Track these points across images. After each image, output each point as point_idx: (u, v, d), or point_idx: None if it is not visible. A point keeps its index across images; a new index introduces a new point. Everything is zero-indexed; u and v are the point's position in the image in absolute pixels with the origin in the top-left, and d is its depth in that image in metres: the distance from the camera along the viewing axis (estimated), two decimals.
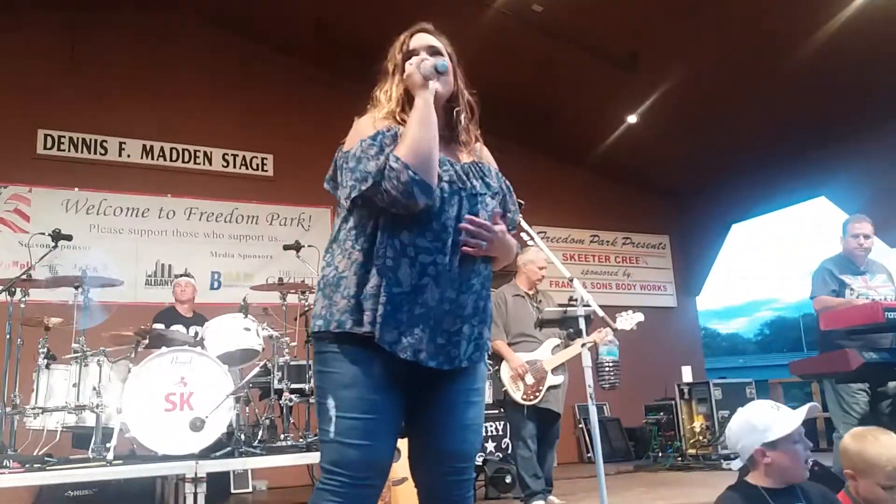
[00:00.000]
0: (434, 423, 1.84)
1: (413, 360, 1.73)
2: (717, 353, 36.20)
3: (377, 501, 1.82)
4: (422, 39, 1.90)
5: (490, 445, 7.88)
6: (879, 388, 3.73)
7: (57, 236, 4.45)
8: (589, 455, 8.22)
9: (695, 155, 8.76)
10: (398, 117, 1.82)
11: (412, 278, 1.73)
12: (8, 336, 4.32)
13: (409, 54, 1.87)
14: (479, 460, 6.61)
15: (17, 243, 6.35)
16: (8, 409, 4.21)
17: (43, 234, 4.54)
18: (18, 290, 4.42)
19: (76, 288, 4.31)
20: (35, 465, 3.85)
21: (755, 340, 45.64)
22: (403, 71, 1.82)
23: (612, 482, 6.16)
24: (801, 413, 2.01)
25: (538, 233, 9.87)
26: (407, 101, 1.83)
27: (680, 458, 7.27)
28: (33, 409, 4.13)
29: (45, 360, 4.27)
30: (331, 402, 1.75)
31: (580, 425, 8.57)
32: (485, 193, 1.85)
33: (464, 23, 6.68)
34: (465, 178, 1.84)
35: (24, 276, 4.49)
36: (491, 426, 8.02)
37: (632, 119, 8.15)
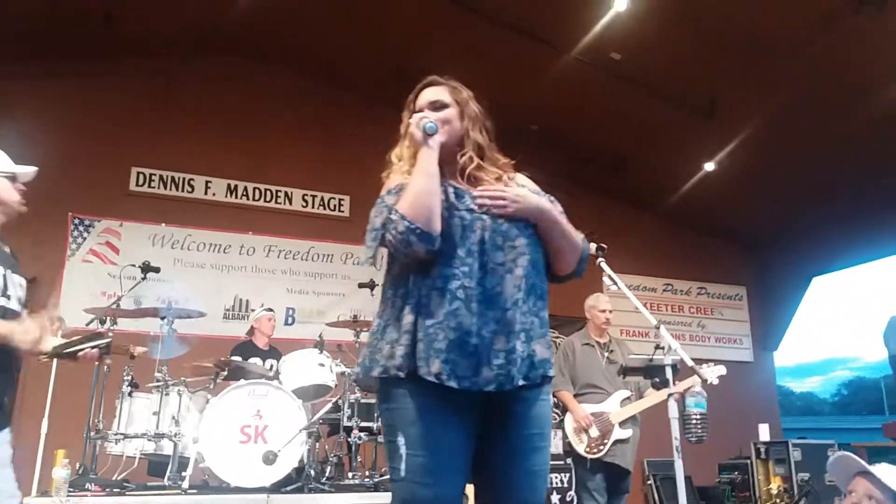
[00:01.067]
0: (501, 471, 1.86)
1: (466, 388, 1.77)
2: (791, 412, 34.32)
3: None
4: (425, 96, 2.04)
5: (555, 498, 7.68)
6: None
7: (146, 268, 4.66)
8: None
9: (774, 204, 8.52)
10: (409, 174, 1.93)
11: (442, 307, 1.80)
12: (96, 363, 4.50)
13: (415, 113, 2.00)
14: None
15: (106, 274, 6.65)
16: (92, 434, 4.37)
17: (133, 265, 4.75)
18: (108, 318, 4.63)
19: (161, 318, 4.49)
20: (115, 490, 3.97)
21: (832, 401, 43.24)
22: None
23: None
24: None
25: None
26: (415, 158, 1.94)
27: None
28: (115, 434, 4.27)
29: (129, 388, 4.43)
30: (401, 440, 1.80)
31: (649, 482, 8.24)
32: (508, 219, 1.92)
33: (541, 71, 6.77)
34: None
35: (113, 306, 4.71)
36: (556, 478, 7.82)
37: (709, 167, 8.01)
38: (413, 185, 1.83)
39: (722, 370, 3.99)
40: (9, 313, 2.32)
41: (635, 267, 9.26)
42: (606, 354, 4.60)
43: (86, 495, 3.77)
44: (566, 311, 7.44)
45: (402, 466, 1.78)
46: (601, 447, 4.32)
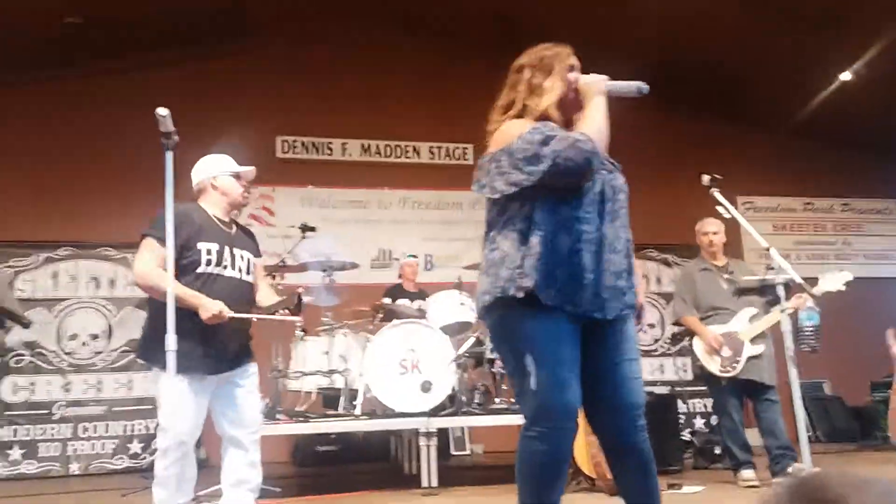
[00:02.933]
0: (607, 381, 2.14)
1: (581, 314, 2.06)
2: None
3: (573, 443, 2.16)
4: (573, 60, 2.29)
5: (699, 422, 7.87)
6: None
7: (304, 228, 5.25)
8: (810, 434, 7.85)
9: None
10: (551, 114, 2.19)
11: (569, 244, 2.07)
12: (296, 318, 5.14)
13: (571, 68, 2.27)
14: (687, 435, 6.65)
15: (265, 236, 7.41)
16: (275, 374, 5.08)
17: (292, 226, 5.36)
18: (276, 275, 5.29)
19: (323, 271, 5.09)
20: (300, 419, 4.66)
21: None
22: (565, 81, 2.23)
23: (832, 459, 5.96)
24: None
25: (744, 203, 9.40)
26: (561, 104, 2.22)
27: None
28: (294, 373, 4.95)
29: (301, 333, 5.08)
30: (529, 359, 2.05)
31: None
32: (613, 169, 2.25)
33: None
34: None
35: (280, 263, 5.37)
36: (699, 403, 8.00)
37: (845, 77, 7.61)
38: (598, 120, 2.16)
39: (847, 276, 3.90)
40: (220, 279, 3.02)
41: (771, 188, 9.01)
42: (726, 276, 4.62)
43: (278, 422, 4.47)
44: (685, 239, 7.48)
45: (533, 381, 2.04)
46: (735, 365, 4.40)
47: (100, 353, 7.16)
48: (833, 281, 3.94)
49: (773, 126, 8.75)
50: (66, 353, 7.09)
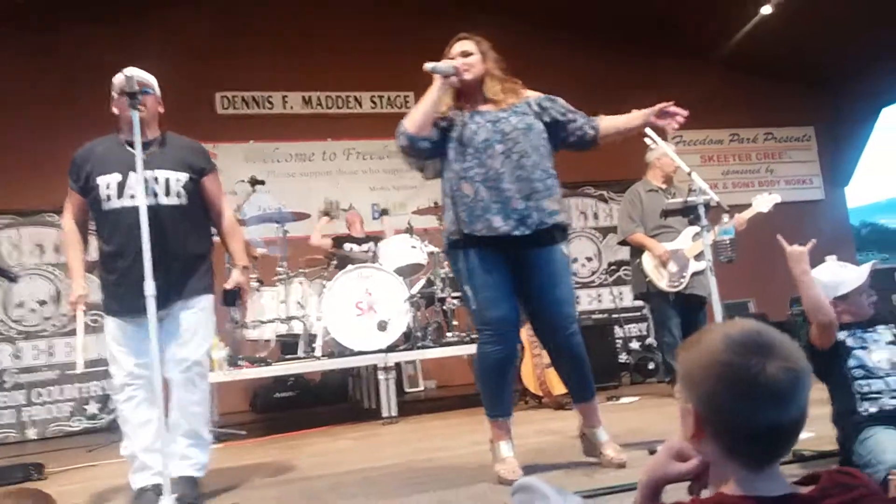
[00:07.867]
0: (543, 300, 2.72)
1: (495, 235, 2.62)
2: (887, 248, 33.45)
3: (517, 342, 2.85)
4: (457, 48, 2.81)
5: (635, 345, 8.38)
6: None
7: (253, 181, 5.36)
8: None
9: (837, 38, 8.35)
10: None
11: (469, 189, 2.66)
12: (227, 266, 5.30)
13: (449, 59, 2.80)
14: (623, 357, 7.12)
15: None
16: (231, 324, 5.24)
17: (242, 181, 5.45)
18: None
19: (276, 223, 5.23)
20: (261, 364, 4.87)
21: None
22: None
23: None
24: (867, 268, 2.39)
25: (673, 137, 9.75)
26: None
27: None
28: (253, 322, 5.12)
29: (257, 284, 5.24)
30: (467, 287, 2.74)
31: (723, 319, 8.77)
32: (507, 117, 2.74)
33: None
34: (491, 115, 2.74)
35: None
36: (634, 328, 8.51)
37: (766, 10, 7.95)
38: (416, 105, 2.71)
39: (777, 198, 4.27)
40: (123, 213, 2.72)
41: (698, 121, 9.22)
42: (670, 198, 4.82)
43: (241, 367, 4.67)
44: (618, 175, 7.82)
45: (473, 304, 2.73)
46: (682, 280, 4.61)
47: (49, 318, 7.14)
48: (763, 203, 4.35)
49: (701, 58, 9.05)
50: (14, 321, 7.05)
